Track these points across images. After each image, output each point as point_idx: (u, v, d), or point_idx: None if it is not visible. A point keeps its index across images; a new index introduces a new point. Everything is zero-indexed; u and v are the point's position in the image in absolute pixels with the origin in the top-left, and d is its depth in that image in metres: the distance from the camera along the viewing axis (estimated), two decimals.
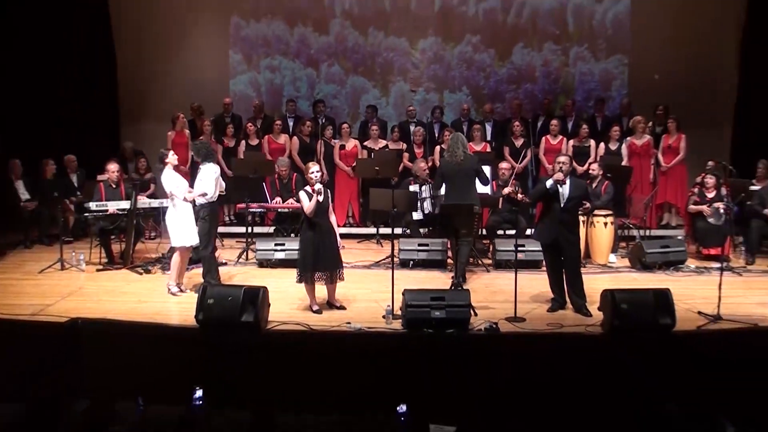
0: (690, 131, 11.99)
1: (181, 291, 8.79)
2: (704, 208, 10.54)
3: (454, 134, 9.50)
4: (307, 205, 7.97)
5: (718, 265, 8.84)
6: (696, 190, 10.86)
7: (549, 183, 8.12)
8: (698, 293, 8.77)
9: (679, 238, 11.19)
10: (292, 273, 8.32)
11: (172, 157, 8.83)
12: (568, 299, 8.35)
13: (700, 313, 8.10)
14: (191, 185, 8.81)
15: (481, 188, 9.52)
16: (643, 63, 13.52)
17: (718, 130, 13.19)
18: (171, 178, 8.72)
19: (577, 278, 8.28)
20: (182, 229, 8.68)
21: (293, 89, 13.78)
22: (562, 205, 8.08)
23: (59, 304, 8.33)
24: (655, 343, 7.47)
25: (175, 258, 8.79)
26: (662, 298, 7.62)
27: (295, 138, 12.24)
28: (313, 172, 8.08)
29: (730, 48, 13.19)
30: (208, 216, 8.68)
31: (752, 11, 12.83)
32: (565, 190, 8.11)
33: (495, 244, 10.21)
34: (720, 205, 10.18)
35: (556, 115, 12.86)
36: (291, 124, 12.78)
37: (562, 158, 8.26)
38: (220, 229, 11.67)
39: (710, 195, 10.61)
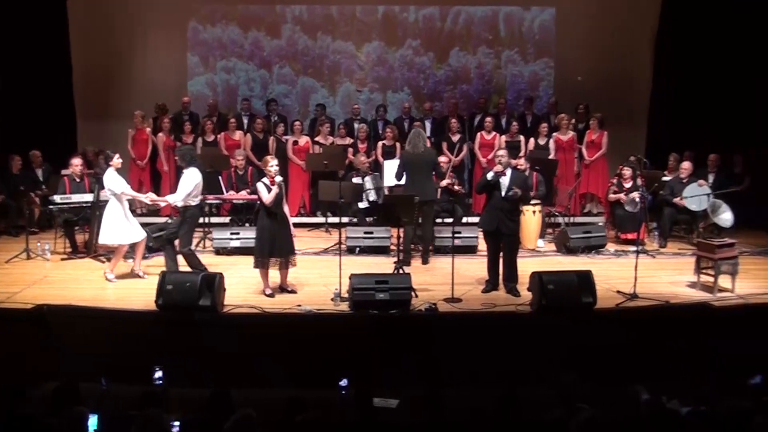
0: (610, 128, 12.13)
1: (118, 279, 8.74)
2: (622, 197, 10.70)
3: (416, 129, 9.68)
4: (266, 196, 7.89)
5: (634, 248, 9.00)
6: (615, 180, 11.01)
7: (490, 175, 8.20)
8: (617, 274, 8.92)
9: (600, 224, 11.35)
10: (247, 260, 8.26)
11: (116, 160, 8.72)
12: (501, 281, 8.41)
13: (618, 292, 8.25)
14: (174, 187, 8.66)
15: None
16: (568, 65, 13.64)
17: (634, 126, 13.37)
18: (112, 180, 8.58)
19: (513, 263, 8.35)
20: (111, 228, 8.56)
21: (247, 89, 13.61)
22: (503, 195, 8.14)
23: (26, 291, 8.14)
24: (578, 320, 7.59)
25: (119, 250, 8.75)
26: (585, 279, 7.74)
27: (248, 135, 12.09)
28: (272, 166, 8.01)
29: (645, 53, 13.38)
30: (190, 218, 8.48)
31: (663, 20, 13.05)
32: (505, 181, 8.17)
33: (434, 232, 10.22)
34: (636, 195, 10.34)
35: (489, 113, 12.92)
36: (246, 121, 12.62)
37: (501, 152, 8.35)
38: None
39: (627, 185, 10.77)
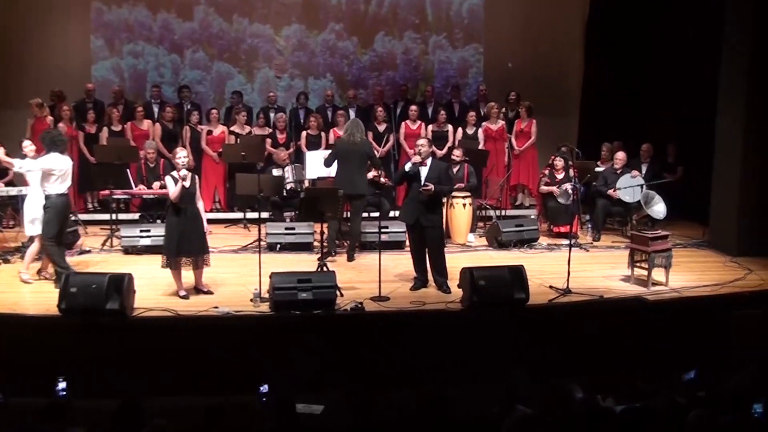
0: (540, 117, 12.34)
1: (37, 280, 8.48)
2: (554, 188, 10.89)
3: (354, 119, 9.71)
4: (172, 190, 7.76)
5: (567, 242, 9.17)
6: (546, 172, 11.19)
7: (408, 166, 8.23)
8: (549, 269, 9.07)
9: (532, 217, 11.54)
10: (158, 259, 8.09)
11: (28, 148, 8.58)
12: (430, 277, 8.46)
13: (551, 287, 8.40)
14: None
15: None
16: (497, 52, 13.82)
17: (566, 115, 13.63)
18: (26, 166, 8.39)
19: (439, 257, 8.40)
20: (34, 218, 8.33)
21: (157, 75, 13.33)
22: (419, 189, 8.19)
23: None
24: (510, 316, 7.71)
25: (33, 247, 8.42)
26: (517, 274, 7.86)
27: (158, 124, 11.86)
28: (180, 158, 7.88)
29: (576, 41, 13.65)
30: (52, 208, 8.12)
31: (595, 5, 13.33)
32: (424, 172, 8.21)
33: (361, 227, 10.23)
34: (568, 186, 10.55)
35: (416, 101, 12.99)
36: (156, 110, 12.37)
37: (420, 141, 8.38)
38: (84, 217, 11.25)
39: (559, 176, 10.97)
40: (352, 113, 12.55)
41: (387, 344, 7.41)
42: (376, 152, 10.65)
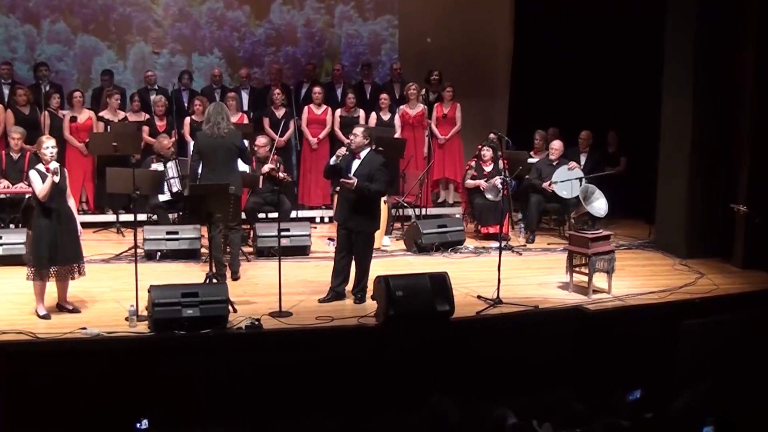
0: (465, 100, 12.49)
1: None
2: (481, 183, 11.06)
3: (216, 104, 9.36)
4: (40, 187, 7.59)
5: (496, 244, 9.31)
6: (473, 163, 11.35)
7: (332, 159, 8.32)
8: (477, 276, 9.20)
9: (457, 216, 11.70)
10: (14, 272, 7.93)
11: None
12: (349, 288, 8.52)
13: (479, 297, 8.52)
14: None
15: (242, 166, 9.50)
16: (415, 25, 13.92)
17: (494, 98, 13.86)
18: None
19: (362, 267, 8.46)
20: None
21: (8, 50, 12.97)
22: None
23: None
24: (432, 332, 7.78)
25: None
26: (440, 283, 7.95)
27: (9, 111, 11.49)
28: (48, 148, 7.73)
29: (505, 12, 13.86)
30: None
31: None
32: (356, 165, 8.25)
33: (256, 230, 10.18)
34: (497, 180, 10.70)
35: (320, 82, 12.99)
36: (6, 92, 12.04)
37: (355, 130, 8.47)
38: None
39: (487, 169, 11.15)
40: (244, 95, 12.49)
41: (289, 368, 7.38)
42: (264, 143, 10.60)
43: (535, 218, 11.22)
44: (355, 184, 8.10)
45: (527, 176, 11.34)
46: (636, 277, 9.37)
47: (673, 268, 9.83)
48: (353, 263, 8.46)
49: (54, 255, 7.71)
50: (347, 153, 8.30)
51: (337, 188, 9.51)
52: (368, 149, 8.38)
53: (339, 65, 13.28)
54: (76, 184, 11.55)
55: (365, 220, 8.37)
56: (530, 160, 11.61)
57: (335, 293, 8.49)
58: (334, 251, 8.65)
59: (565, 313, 8.29)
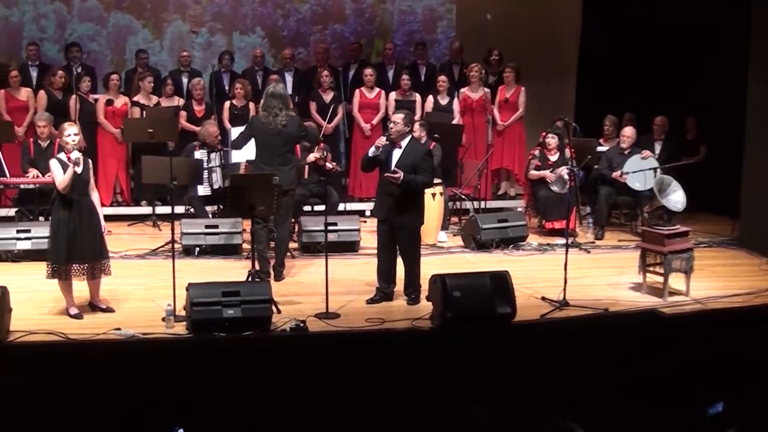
0: (528, 83, 12.42)
1: None
2: (546, 173, 11.00)
3: (274, 90, 9.13)
4: (61, 177, 7.69)
5: (562, 241, 9.25)
6: (536, 152, 11.29)
7: (371, 150, 8.28)
8: (541, 275, 9.17)
9: (519, 210, 11.65)
10: (41, 267, 8.01)
11: None
12: (400, 288, 8.52)
13: (543, 299, 8.49)
14: None
15: None
16: (473, 0, 13.90)
17: (560, 81, 13.77)
18: None
19: (412, 266, 8.47)
20: None
21: (36, 29, 13.19)
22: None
23: None
24: (492, 337, 7.77)
25: None
26: (500, 283, 7.91)
27: (42, 92, 11.70)
28: (69, 135, 7.80)
29: None
30: None
31: None
32: (397, 156, 8.24)
33: (301, 224, 10.24)
34: (563, 171, 10.64)
35: (372, 63, 13.00)
36: (35, 75, 12.24)
37: (395, 116, 8.41)
38: None
39: (552, 158, 11.09)
40: (288, 78, 12.54)
41: (336, 373, 7.41)
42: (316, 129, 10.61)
43: (605, 212, 11.15)
44: (402, 177, 8.10)
45: (596, 166, 11.27)
46: (717, 278, 9.27)
47: (759, 268, 9.71)
48: (399, 262, 8.47)
49: (72, 252, 7.78)
50: (387, 143, 8.27)
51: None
52: (409, 137, 8.37)
53: (390, 44, 13.28)
54: (110, 174, 11.76)
55: (409, 214, 8.34)
56: (599, 149, 11.52)
57: (383, 294, 8.52)
58: (377, 250, 8.63)
59: (637, 317, 8.21)
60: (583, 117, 12.15)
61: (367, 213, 11.82)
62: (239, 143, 9.39)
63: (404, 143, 8.28)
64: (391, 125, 8.34)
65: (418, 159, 8.27)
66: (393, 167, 8.16)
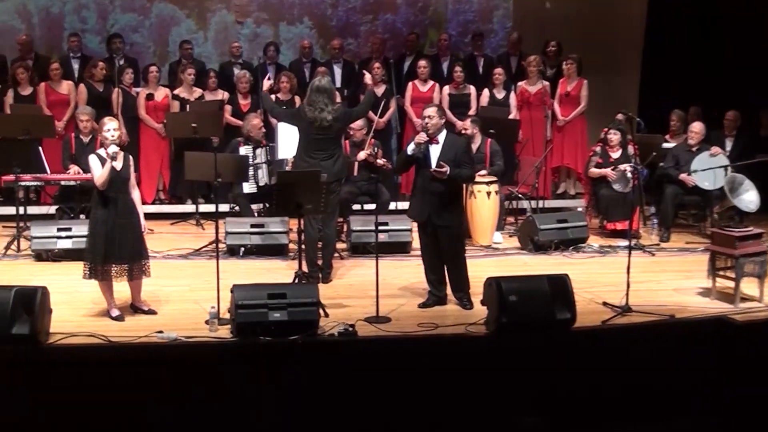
0: (589, 75, 12.33)
1: None
2: (608, 171, 10.91)
3: (320, 81, 9.15)
4: (99, 173, 7.76)
5: (625, 243, 9.17)
6: (598, 149, 11.21)
7: (410, 148, 8.21)
8: (603, 279, 9.12)
9: (579, 210, 11.58)
10: (81, 267, 8.09)
11: None
12: (448, 291, 8.49)
13: (605, 304, 8.42)
14: None
15: None
16: None
17: (623, 73, 13.67)
18: None
19: (458, 266, 8.42)
20: None
21: (77, 20, 13.35)
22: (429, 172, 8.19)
23: None
24: (551, 343, 7.72)
25: None
26: (560, 287, 7.85)
27: (82, 86, 11.84)
28: (109, 130, 7.85)
29: None
30: None
31: None
32: (435, 152, 8.21)
33: (350, 223, 10.26)
34: (627, 168, 10.56)
35: (425, 54, 12.98)
36: (77, 67, 12.38)
37: (428, 111, 8.32)
38: None
39: (614, 155, 11.00)
40: (337, 70, 12.56)
41: (386, 380, 7.41)
42: (361, 125, 10.58)
43: (671, 213, 11.04)
44: (448, 171, 8.06)
45: (662, 164, 11.18)
46: None
47: None
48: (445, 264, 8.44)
49: (110, 252, 7.82)
50: (424, 142, 8.20)
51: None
52: (444, 131, 8.34)
53: (445, 35, 13.27)
54: (153, 171, 11.85)
55: (453, 213, 8.32)
56: (665, 145, 11.41)
57: (436, 298, 8.49)
58: (421, 254, 8.58)
59: (706, 325, 8.10)
60: (647, 112, 11.98)
61: None
62: (281, 116, 9.66)
63: (441, 138, 8.23)
64: (426, 120, 8.23)
65: (460, 152, 8.26)
66: (435, 163, 8.13)
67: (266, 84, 9.41)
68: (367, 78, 9.58)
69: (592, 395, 7.39)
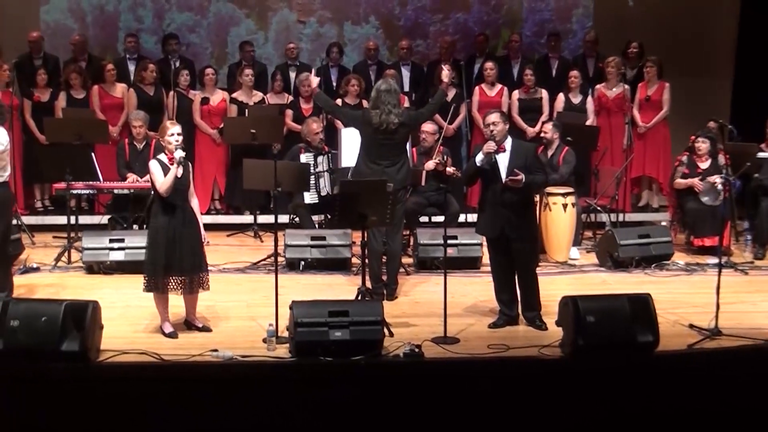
0: (675, 79, 12.24)
1: None
2: (695, 182, 10.81)
3: (386, 86, 9.10)
4: (161, 180, 7.84)
5: (715, 260, 9.09)
6: (684, 158, 11.11)
7: (479, 159, 8.17)
8: (689, 300, 9.05)
9: (663, 224, 11.47)
10: (136, 280, 8.19)
11: None
12: (519, 311, 8.48)
13: (691, 326, 8.34)
14: None
15: None
16: None
17: (714, 76, 13.54)
18: None
19: (531, 283, 8.41)
20: None
21: (133, 19, 13.52)
22: (503, 182, 8.17)
23: None
24: (632, 368, 7.66)
25: None
26: (641, 307, 7.79)
27: (131, 91, 11.95)
28: (173, 135, 7.94)
29: None
30: None
31: None
32: (503, 161, 8.19)
33: (417, 236, 10.26)
34: (717, 179, 10.45)
35: (495, 56, 12.95)
36: (133, 69, 12.50)
37: (491, 117, 8.27)
38: (30, 220, 11.44)
39: (703, 166, 10.89)
40: (405, 72, 12.57)
41: (454, 404, 7.40)
42: (431, 130, 10.58)
43: (766, 228, 10.89)
44: (523, 179, 8.02)
45: (756, 175, 11.05)
46: None
47: None
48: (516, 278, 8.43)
49: (171, 263, 7.90)
50: (493, 151, 8.14)
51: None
52: (509, 137, 8.30)
53: (517, 35, 13.21)
54: (208, 179, 11.95)
55: (526, 224, 8.32)
56: (760, 155, 11.24)
57: (507, 318, 8.48)
58: (492, 272, 8.56)
59: None
60: (740, 118, 11.89)
61: None
62: (342, 116, 9.75)
63: (507, 145, 8.21)
64: (491, 128, 8.19)
65: (531, 158, 8.31)
66: (504, 172, 8.11)
67: (314, 81, 9.45)
68: (445, 74, 9.58)
69: (675, 425, 7.31)
